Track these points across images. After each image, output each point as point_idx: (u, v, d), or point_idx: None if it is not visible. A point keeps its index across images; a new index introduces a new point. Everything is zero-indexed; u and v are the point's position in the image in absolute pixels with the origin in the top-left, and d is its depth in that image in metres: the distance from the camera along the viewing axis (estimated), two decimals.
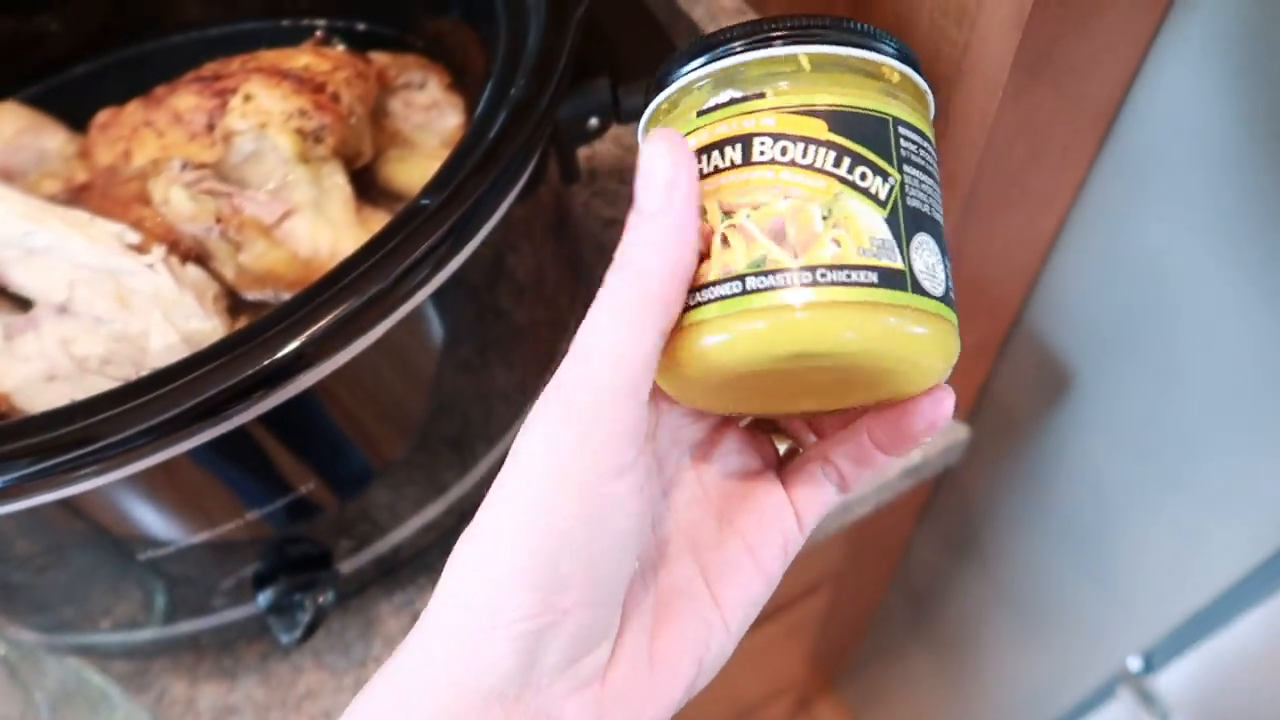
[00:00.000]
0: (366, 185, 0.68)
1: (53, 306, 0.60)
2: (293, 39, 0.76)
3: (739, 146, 0.30)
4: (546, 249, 0.68)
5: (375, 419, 0.61)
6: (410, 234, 0.48)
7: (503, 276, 0.62)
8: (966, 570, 1.16)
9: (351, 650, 0.71)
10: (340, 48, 0.71)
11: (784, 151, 0.30)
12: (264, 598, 0.62)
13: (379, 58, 0.72)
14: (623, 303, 0.30)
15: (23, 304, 0.62)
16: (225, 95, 0.62)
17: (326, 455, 0.60)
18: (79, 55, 0.76)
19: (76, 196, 0.69)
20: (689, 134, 0.32)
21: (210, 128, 0.62)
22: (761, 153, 0.30)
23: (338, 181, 0.64)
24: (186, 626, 0.65)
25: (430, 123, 0.73)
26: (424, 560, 0.73)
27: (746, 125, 0.30)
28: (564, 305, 0.73)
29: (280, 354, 0.46)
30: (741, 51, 0.31)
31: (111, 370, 0.61)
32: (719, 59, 0.31)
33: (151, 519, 0.55)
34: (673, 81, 0.33)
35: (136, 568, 0.58)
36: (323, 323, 0.46)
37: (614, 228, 0.88)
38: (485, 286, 0.60)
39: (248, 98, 0.62)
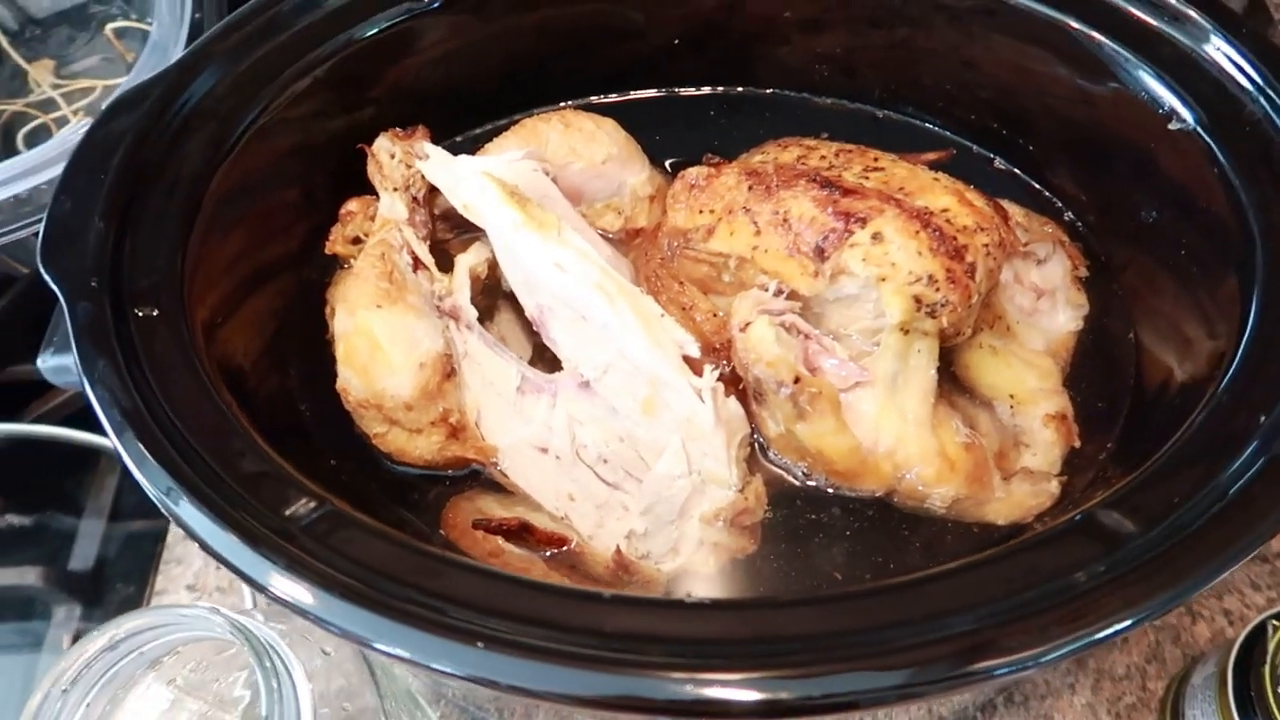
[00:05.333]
0: (941, 363, 0.56)
1: (577, 379, 0.53)
2: (914, 140, 0.65)
3: None
4: None
5: None
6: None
7: None
8: None
9: None
10: (972, 190, 0.57)
11: None
12: None
13: (1014, 212, 0.58)
14: None
15: (541, 359, 0.56)
16: (851, 223, 0.51)
17: None
18: (680, 77, 0.70)
19: (628, 239, 0.63)
20: None
21: (820, 252, 0.52)
22: None
23: (923, 364, 0.52)
24: None
25: (1037, 314, 0.58)
26: None
27: None
28: None
29: None
30: None
31: (603, 470, 0.53)
32: None
33: None
34: None
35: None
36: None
37: None
38: None
39: (877, 237, 0.51)
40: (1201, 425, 0.40)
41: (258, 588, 0.38)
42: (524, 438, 0.53)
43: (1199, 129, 0.50)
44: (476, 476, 0.55)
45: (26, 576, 0.75)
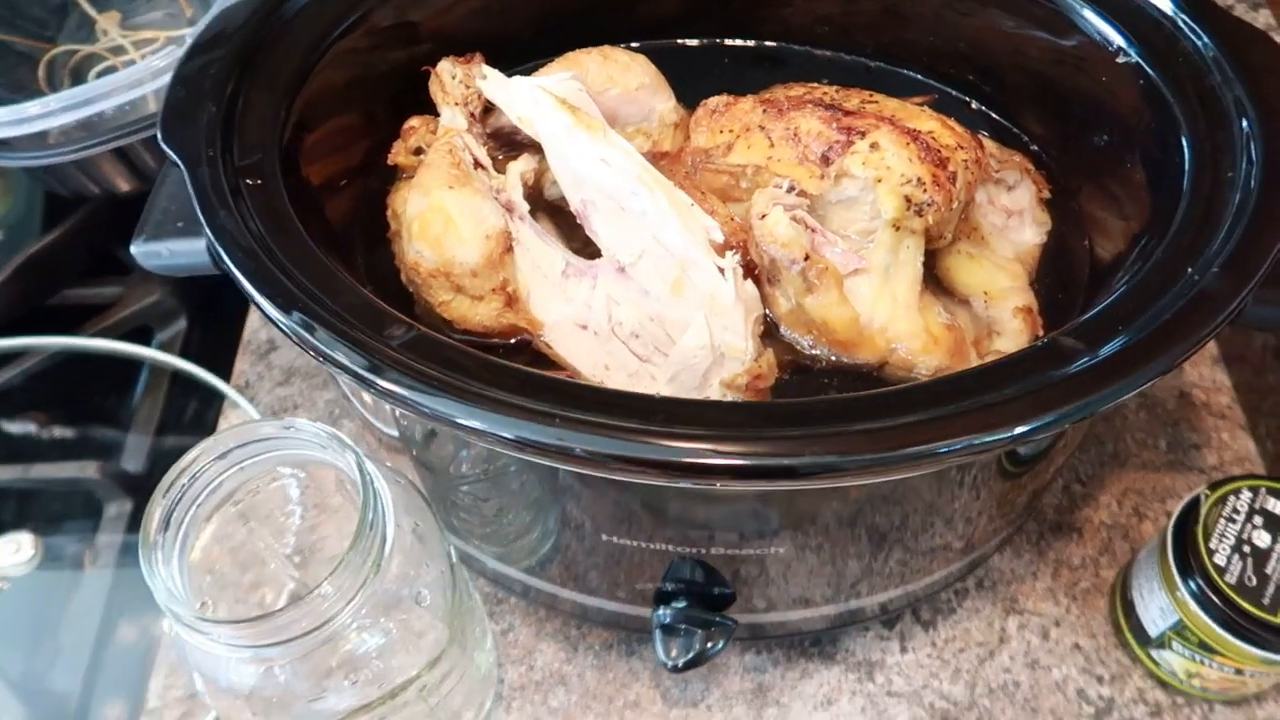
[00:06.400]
0: (925, 265, 0.65)
1: (615, 263, 0.61)
2: (901, 87, 0.75)
3: None
4: None
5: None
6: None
7: None
8: None
9: (689, 687, 0.69)
10: (953, 120, 0.67)
11: None
12: (664, 613, 0.61)
13: (988, 144, 0.68)
14: None
15: (582, 249, 0.65)
16: (852, 135, 0.61)
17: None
18: (692, 31, 0.79)
19: (654, 161, 0.71)
20: None
21: (825, 160, 0.61)
22: None
23: (911, 258, 0.61)
24: (573, 595, 0.66)
25: (1007, 229, 0.68)
26: (800, 639, 0.70)
27: None
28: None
29: None
30: None
31: (635, 345, 0.61)
32: None
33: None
34: None
35: (586, 537, 0.58)
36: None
37: None
38: None
39: (874, 146, 0.60)
40: (1141, 277, 0.49)
41: (367, 385, 0.46)
42: (567, 315, 0.62)
43: (1141, 61, 0.60)
44: (523, 350, 0.63)
45: (86, 470, 0.81)
